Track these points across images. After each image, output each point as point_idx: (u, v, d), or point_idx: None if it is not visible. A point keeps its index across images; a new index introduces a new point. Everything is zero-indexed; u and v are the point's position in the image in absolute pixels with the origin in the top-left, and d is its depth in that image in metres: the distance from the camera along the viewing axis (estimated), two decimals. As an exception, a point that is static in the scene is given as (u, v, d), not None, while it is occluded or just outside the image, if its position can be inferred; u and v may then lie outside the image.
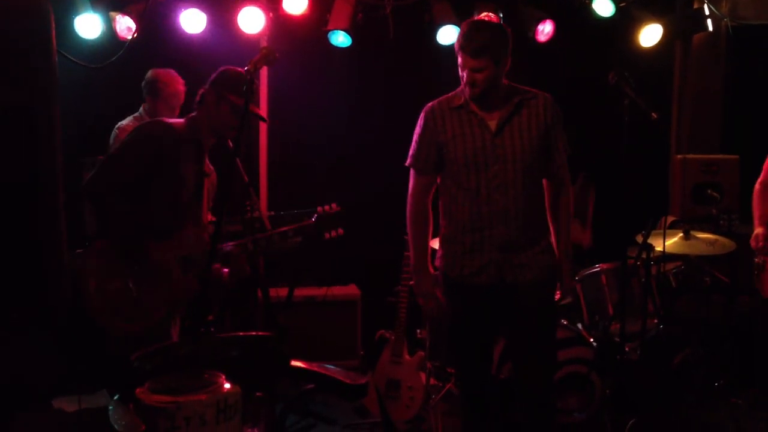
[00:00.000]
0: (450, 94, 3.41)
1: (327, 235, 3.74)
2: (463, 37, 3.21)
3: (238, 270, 3.46)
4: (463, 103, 3.33)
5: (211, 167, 3.62)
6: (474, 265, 3.36)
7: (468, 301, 3.41)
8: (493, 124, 3.30)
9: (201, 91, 3.48)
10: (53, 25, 2.24)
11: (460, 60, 3.25)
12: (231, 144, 3.55)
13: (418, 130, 3.44)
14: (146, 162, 3.29)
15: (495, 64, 3.21)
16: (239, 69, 3.38)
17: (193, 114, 3.49)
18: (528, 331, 3.41)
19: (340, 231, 3.77)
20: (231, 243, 3.47)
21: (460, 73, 3.28)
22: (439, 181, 3.46)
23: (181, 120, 3.52)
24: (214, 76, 3.46)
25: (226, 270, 3.47)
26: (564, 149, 3.43)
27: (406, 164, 3.47)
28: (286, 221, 4.60)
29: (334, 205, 3.76)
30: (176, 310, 3.38)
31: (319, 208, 3.72)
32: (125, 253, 3.24)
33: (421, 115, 3.43)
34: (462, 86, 3.33)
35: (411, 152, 3.46)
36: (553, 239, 3.49)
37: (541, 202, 3.48)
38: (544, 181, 3.48)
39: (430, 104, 3.43)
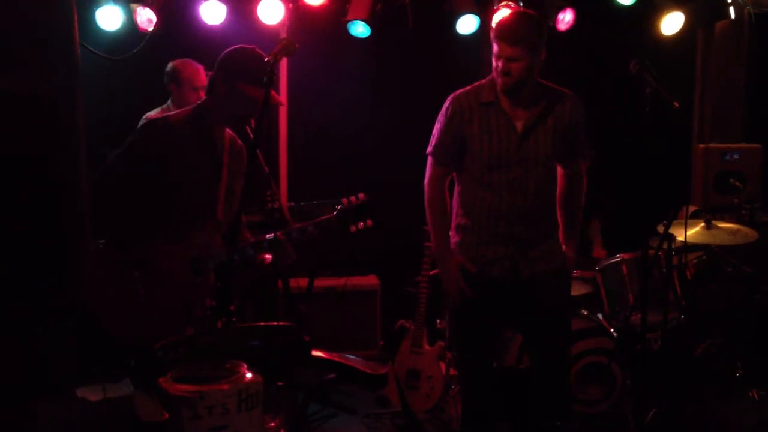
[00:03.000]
0: (477, 85, 3.37)
1: (353, 228, 3.33)
2: (502, 25, 3.18)
3: (284, 257, 3.28)
4: (494, 99, 3.30)
5: (240, 143, 3.41)
6: (489, 256, 3.35)
7: (477, 291, 3.39)
8: (519, 125, 3.29)
9: (210, 76, 3.30)
10: (76, 17, 2.25)
11: (495, 49, 3.20)
12: (252, 135, 3.49)
13: (442, 118, 3.39)
14: (148, 165, 3.16)
15: (531, 55, 3.18)
16: (248, 48, 3.21)
17: (202, 102, 3.32)
18: (543, 323, 3.41)
19: (369, 222, 3.34)
20: (276, 232, 3.25)
21: (494, 63, 3.23)
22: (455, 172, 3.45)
23: (187, 110, 3.35)
24: (222, 58, 3.24)
25: (268, 256, 3.31)
26: (585, 146, 3.43)
27: (427, 152, 3.45)
28: (307, 213, 4.58)
29: (361, 195, 3.34)
30: (191, 314, 3.22)
31: (344, 200, 3.32)
32: (126, 258, 3.13)
33: (448, 103, 3.38)
34: (492, 76, 3.29)
35: (433, 141, 3.42)
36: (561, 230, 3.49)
37: (555, 196, 3.47)
38: (558, 172, 3.47)
39: (457, 93, 3.38)
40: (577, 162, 3.48)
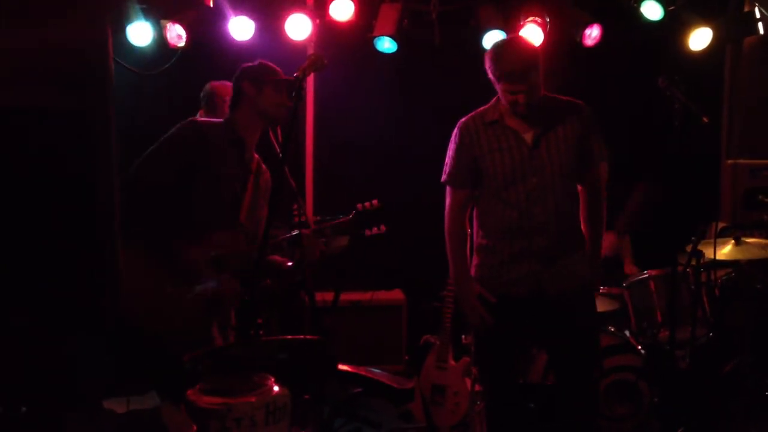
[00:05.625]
0: (482, 109, 3.42)
1: (368, 232, 3.63)
2: (503, 65, 3.21)
3: (310, 251, 3.38)
4: (498, 118, 3.34)
5: (264, 167, 3.60)
6: (511, 276, 3.34)
7: (501, 311, 3.37)
8: (528, 137, 3.31)
9: (232, 94, 3.49)
10: (110, 33, 2.29)
11: (500, 87, 3.26)
12: (278, 149, 3.56)
13: (453, 146, 3.44)
14: (183, 160, 3.29)
15: (536, 77, 3.23)
16: (259, 61, 3.48)
17: (232, 115, 3.48)
18: (570, 340, 3.39)
19: (382, 228, 3.65)
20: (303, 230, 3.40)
21: (502, 93, 3.28)
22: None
23: (218, 120, 3.53)
24: (239, 72, 3.48)
25: (289, 263, 3.43)
26: (600, 157, 3.42)
27: (442, 181, 3.48)
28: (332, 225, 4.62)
29: (375, 202, 3.62)
30: (214, 311, 3.34)
31: (359, 205, 3.61)
32: (158, 255, 3.23)
33: (455, 131, 3.44)
34: (494, 101, 3.37)
35: (447, 169, 3.46)
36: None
37: (578, 211, 3.46)
38: (579, 189, 3.46)
39: (463, 120, 3.44)
40: (594, 174, 3.45)
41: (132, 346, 3.16)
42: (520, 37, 3.48)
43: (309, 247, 3.35)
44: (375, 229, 3.64)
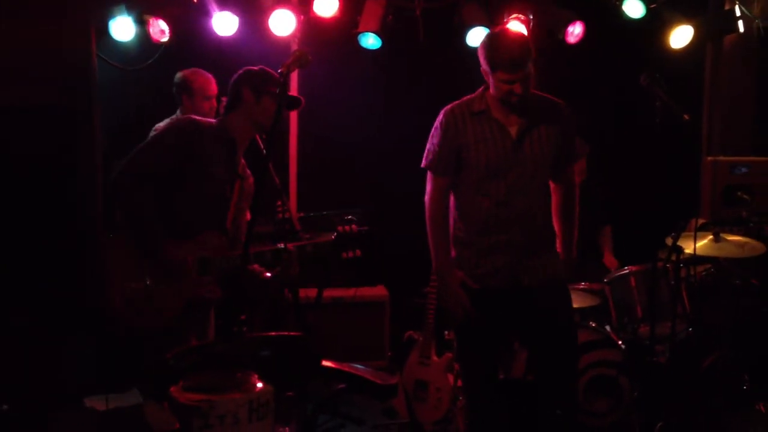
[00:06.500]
0: (468, 98, 3.42)
1: (344, 255, 3.63)
2: (501, 54, 3.20)
3: (290, 268, 3.42)
4: (485, 109, 3.35)
5: (249, 172, 3.62)
6: (488, 268, 3.37)
7: (479, 303, 3.39)
8: (513, 131, 3.32)
9: (230, 95, 3.47)
10: (92, 29, 2.29)
11: (498, 76, 3.22)
12: (263, 147, 3.57)
13: (437, 132, 3.42)
14: (175, 156, 3.28)
15: (528, 71, 3.22)
16: (263, 66, 3.45)
17: (226, 116, 3.48)
18: (547, 333, 3.42)
19: (358, 252, 3.64)
20: (283, 243, 3.44)
21: (494, 85, 3.26)
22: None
23: (213, 120, 3.53)
24: (241, 76, 3.46)
25: (267, 274, 3.47)
26: (576, 155, 3.46)
27: (423, 166, 3.46)
28: (315, 224, 4.63)
29: (354, 227, 3.63)
30: (192, 311, 3.33)
31: (339, 228, 3.60)
32: (142, 248, 3.23)
33: (440, 117, 3.42)
34: (480, 91, 3.37)
35: (429, 154, 3.44)
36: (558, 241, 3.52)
37: (550, 206, 3.50)
38: (552, 186, 3.50)
39: (449, 107, 3.43)
40: (569, 171, 3.50)
41: (115, 342, 3.17)
42: (513, 29, 3.46)
43: (289, 265, 3.40)
44: (351, 253, 3.63)
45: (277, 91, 3.22)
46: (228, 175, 3.46)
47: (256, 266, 3.45)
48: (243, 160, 3.57)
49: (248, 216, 3.59)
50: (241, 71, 3.48)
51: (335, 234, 3.55)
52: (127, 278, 3.20)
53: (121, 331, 3.21)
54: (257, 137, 3.83)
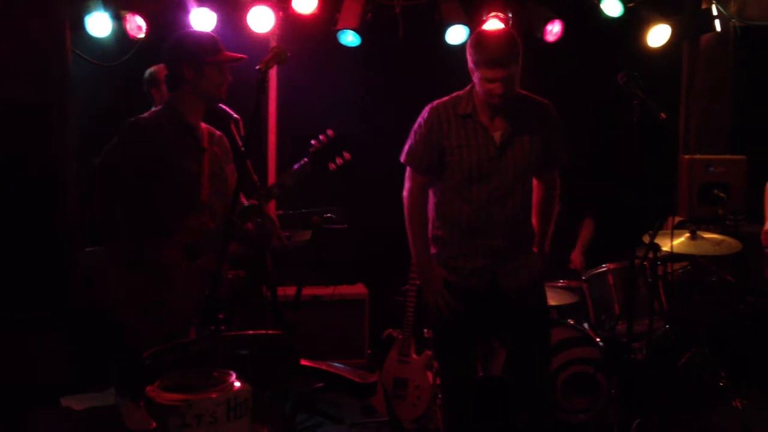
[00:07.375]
0: (455, 96, 3.37)
1: (333, 166, 3.43)
2: (486, 51, 3.15)
3: (264, 227, 3.35)
4: (471, 111, 3.30)
5: (217, 132, 3.48)
6: (466, 268, 3.37)
7: (456, 301, 3.39)
8: (497, 136, 3.29)
9: (169, 74, 3.35)
10: (68, 24, 2.27)
11: (482, 73, 3.17)
12: (230, 112, 3.51)
13: (420, 129, 3.37)
14: (137, 159, 3.21)
15: (516, 70, 3.19)
16: (188, 30, 3.43)
17: (171, 99, 3.36)
18: (523, 333, 3.43)
19: (347, 156, 3.44)
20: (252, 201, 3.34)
21: (478, 83, 3.22)
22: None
23: (158, 109, 3.41)
24: (175, 51, 3.30)
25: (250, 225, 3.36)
26: (561, 156, 3.45)
27: (402, 161, 3.42)
28: (293, 222, 4.61)
29: (329, 132, 3.44)
30: (198, 306, 3.26)
31: (313, 141, 3.42)
32: (127, 258, 3.18)
33: (425, 113, 3.37)
34: (467, 90, 3.33)
35: (409, 150, 3.40)
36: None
37: (531, 206, 3.49)
38: (534, 183, 3.48)
39: (435, 104, 3.38)
40: (552, 171, 3.50)
41: (92, 342, 3.13)
42: (506, 28, 3.42)
43: (262, 225, 3.33)
44: (339, 160, 3.46)
45: (218, 58, 3.20)
46: (193, 157, 3.36)
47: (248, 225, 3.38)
48: (205, 126, 3.44)
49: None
50: (171, 44, 3.33)
51: (309, 153, 3.41)
52: (129, 292, 3.14)
53: (132, 342, 3.13)
54: (235, 133, 3.77)
